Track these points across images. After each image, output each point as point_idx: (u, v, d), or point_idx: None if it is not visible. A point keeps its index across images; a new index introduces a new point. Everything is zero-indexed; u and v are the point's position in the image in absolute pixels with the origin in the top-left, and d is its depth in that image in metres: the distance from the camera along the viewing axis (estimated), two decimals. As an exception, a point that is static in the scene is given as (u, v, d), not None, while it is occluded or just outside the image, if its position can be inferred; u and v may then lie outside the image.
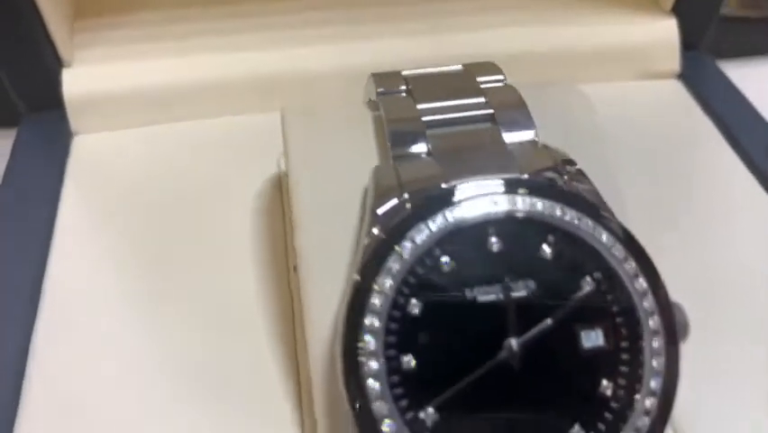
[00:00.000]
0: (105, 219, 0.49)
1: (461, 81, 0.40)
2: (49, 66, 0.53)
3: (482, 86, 0.40)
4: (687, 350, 0.37)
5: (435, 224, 0.33)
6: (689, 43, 0.62)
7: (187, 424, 0.38)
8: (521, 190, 0.34)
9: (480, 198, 0.34)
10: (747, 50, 0.78)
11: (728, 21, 0.76)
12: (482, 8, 0.61)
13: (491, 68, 0.42)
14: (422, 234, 0.33)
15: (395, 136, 0.37)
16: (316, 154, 0.40)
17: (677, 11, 0.61)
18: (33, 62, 0.52)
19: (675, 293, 0.38)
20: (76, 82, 0.54)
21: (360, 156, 0.39)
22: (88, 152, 0.54)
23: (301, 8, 0.61)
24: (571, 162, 0.38)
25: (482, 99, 0.39)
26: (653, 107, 0.60)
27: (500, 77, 0.41)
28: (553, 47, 0.59)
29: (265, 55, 0.56)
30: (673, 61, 0.61)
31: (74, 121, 0.54)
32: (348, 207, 0.37)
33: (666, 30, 0.61)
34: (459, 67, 0.43)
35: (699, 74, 0.62)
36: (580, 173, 0.37)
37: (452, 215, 0.33)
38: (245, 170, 0.52)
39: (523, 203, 0.34)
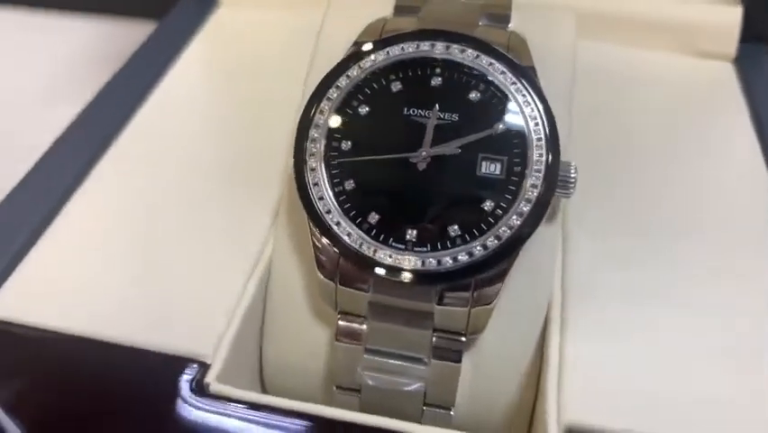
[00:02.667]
0: (210, 69, 0.66)
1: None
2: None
3: (485, -15, 0.50)
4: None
5: (393, 52, 0.44)
6: (754, 35, 0.66)
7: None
8: (470, 45, 0.44)
9: (434, 42, 0.44)
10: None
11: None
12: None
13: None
14: (381, 57, 0.44)
15: (397, 8, 0.49)
16: (350, 14, 0.52)
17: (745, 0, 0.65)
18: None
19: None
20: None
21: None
22: (224, 22, 0.71)
23: None
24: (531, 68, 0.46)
25: (479, -7, 0.49)
26: (694, 82, 0.64)
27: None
28: (613, 8, 0.66)
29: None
30: (730, 46, 0.65)
31: (223, -7, 0.72)
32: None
33: (730, 14, 0.65)
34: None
35: (754, 64, 0.65)
36: (533, 70, 0.45)
37: (409, 49, 0.44)
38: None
39: (468, 54, 0.44)
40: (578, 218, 0.51)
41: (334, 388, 0.45)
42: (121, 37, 0.80)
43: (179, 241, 0.49)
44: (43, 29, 0.86)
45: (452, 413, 0.44)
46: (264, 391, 0.49)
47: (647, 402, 0.40)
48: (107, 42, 0.81)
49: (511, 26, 0.47)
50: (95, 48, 0.81)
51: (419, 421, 0.44)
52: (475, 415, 0.45)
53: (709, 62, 0.66)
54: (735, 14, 0.65)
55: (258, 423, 0.39)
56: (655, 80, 0.65)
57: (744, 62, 0.65)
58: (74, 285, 0.46)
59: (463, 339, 0.43)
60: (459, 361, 0.43)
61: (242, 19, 0.72)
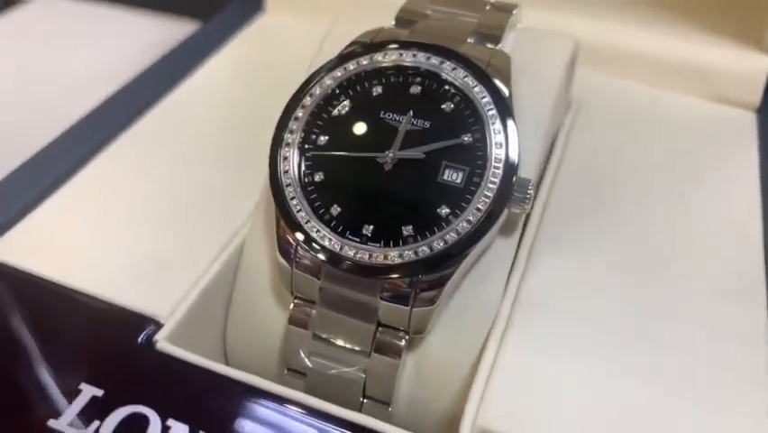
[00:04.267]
0: (241, 69, 0.71)
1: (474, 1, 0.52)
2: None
3: (486, 7, 0.52)
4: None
5: (377, 58, 0.47)
6: (782, 87, 0.64)
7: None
8: (449, 58, 0.46)
9: (416, 52, 0.46)
10: None
11: None
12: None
13: (508, 6, 0.53)
14: (366, 62, 0.47)
15: (397, 20, 0.51)
16: (357, 23, 0.55)
17: (776, 52, 0.64)
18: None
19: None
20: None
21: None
22: (265, 27, 0.76)
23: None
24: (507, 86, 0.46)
25: (476, 14, 0.51)
26: (711, 127, 0.63)
27: (511, 13, 0.52)
28: (641, 47, 0.67)
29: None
30: (755, 95, 0.64)
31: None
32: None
33: (757, 63, 0.64)
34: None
35: (777, 114, 0.63)
36: (508, 88, 0.46)
37: (392, 56, 0.47)
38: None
39: (446, 66, 0.46)
40: (550, 238, 0.51)
41: (285, 370, 0.48)
42: (175, 34, 0.86)
43: (168, 213, 0.53)
44: (104, 21, 0.95)
45: (390, 409, 0.46)
46: (227, 363, 0.52)
47: (568, 418, 0.40)
48: (159, 36, 0.89)
49: (504, 45, 0.49)
50: (146, 41, 0.89)
51: (359, 411, 0.45)
52: (413, 414, 0.46)
53: (732, 109, 0.65)
54: (762, 63, 0.64)
55: (192, 383, 0.41)
56: (670, 121, 0.65)
57: (766, 112, 0.64)
58: (63, 239, 0.51)
59: (406, 337, 0.44)
60: (399, 357, 0.44)
61: (284, 25, 0.77)
